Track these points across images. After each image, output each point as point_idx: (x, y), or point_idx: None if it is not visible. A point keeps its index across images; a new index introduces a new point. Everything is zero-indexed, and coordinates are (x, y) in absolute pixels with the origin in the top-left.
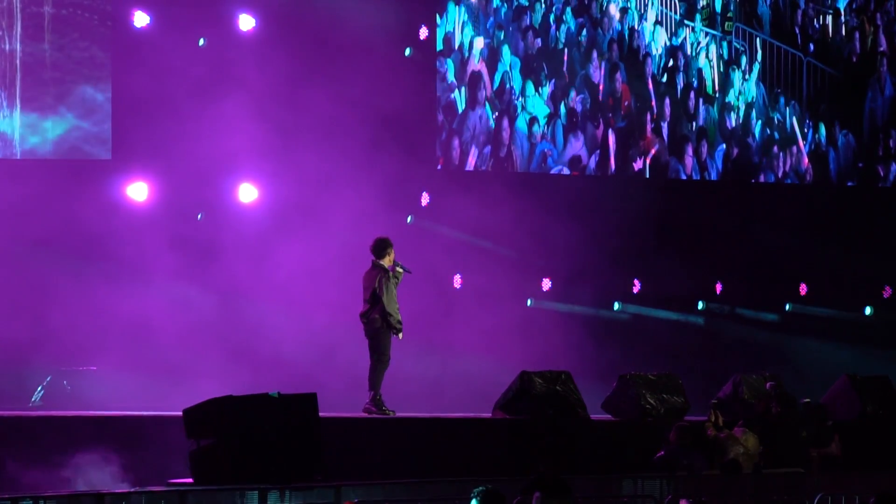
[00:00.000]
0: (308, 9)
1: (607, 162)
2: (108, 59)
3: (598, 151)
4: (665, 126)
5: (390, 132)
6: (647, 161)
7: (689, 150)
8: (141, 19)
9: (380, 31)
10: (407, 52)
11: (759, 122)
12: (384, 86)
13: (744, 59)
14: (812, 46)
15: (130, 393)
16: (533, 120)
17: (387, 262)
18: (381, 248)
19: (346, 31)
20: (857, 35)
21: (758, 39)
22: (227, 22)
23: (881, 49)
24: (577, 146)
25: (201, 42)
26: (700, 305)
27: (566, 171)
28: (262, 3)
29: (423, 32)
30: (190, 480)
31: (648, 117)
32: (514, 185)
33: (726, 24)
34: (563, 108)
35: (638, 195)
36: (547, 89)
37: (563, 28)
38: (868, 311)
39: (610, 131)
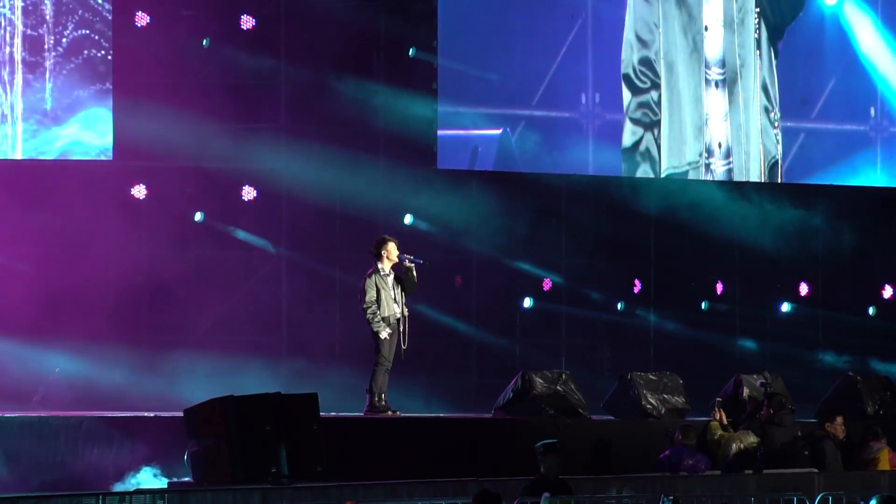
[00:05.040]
0: (309, 11)
1: None
2: (108, 58)
3: None
4: None
5: (391, 132)
6: None
7: None
8: (142, 19)
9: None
10: (411, 52)
11: None
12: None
13: None
14: None
15: (132, 393)
16: None
17: (385, 261)
18: (376, 247)
19: (348, 32)
20: None
21: None
22: (229, 22)
23: None
24: None
25: (205, 42)
26: (704, 306)
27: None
28: (263, 4)
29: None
30: (190, 480)
31: None
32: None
33: None
34: None
35: None
36: None
37: None
38: (871, 311)
39: None
